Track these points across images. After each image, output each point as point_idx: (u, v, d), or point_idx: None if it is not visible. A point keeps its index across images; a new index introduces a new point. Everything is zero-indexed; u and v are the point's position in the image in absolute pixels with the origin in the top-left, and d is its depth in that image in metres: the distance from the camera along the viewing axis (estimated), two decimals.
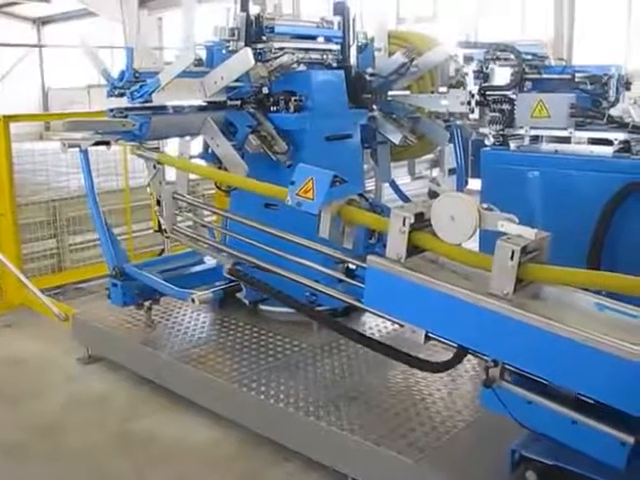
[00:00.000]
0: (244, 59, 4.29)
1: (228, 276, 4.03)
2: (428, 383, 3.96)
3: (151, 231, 7.36)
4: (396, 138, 5.36)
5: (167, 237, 4.46)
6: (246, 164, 4.41)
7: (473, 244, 3.00)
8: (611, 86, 4.51)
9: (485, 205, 2.78)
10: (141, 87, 4.28)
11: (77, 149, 4.73)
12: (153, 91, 4.22)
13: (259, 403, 3.89)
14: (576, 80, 4.63)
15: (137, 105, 4.34)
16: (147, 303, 4.90)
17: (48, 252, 6.79)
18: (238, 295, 4.86)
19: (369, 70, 5.35)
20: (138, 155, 4.41)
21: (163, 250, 7.15)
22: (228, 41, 4.63)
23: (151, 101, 4.29)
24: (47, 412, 4.44)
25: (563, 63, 5.02)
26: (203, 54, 4.80)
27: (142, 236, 7.35)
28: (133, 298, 4.81)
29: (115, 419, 4.33)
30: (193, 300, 4.38)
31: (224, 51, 4.66)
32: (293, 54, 4.69)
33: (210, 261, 5.15)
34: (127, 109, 4.37)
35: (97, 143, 4.69)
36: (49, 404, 4.54)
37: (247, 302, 4.95)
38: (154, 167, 4.34)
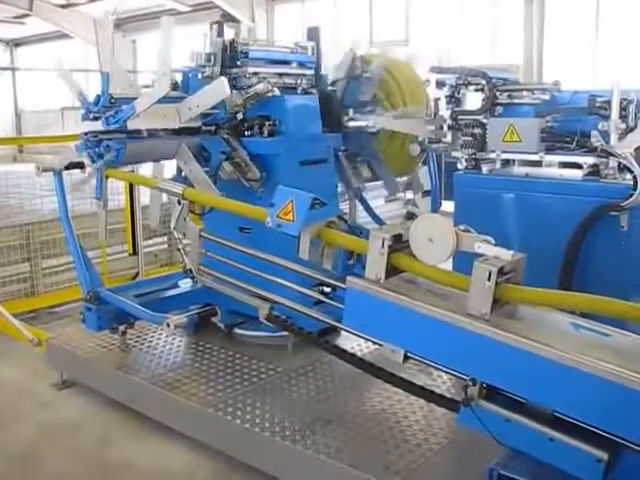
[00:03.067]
0: (219, 89, 4.31)
1: (265, 322, 3.79)
2: (404, 406, 3.98)
3: (125, 254, 7.36)
4: (356, 183, 5.47)
5: (192, 278, 4.33)
6: (219, 190, 4.41)
7: (447, 264, 3.04)
8: (630, 111, 4.49)
9: (462, 227, 2.83)
10: (116, 113, 4.29)
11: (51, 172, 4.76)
12: (128, 118, 4.23)
13: (234, 428, 3.87)
14: (597, 105, 4.42)
15: (111, 129, 4.33)
16: (122, 327, 4.88)
17: (21, 276, 6.73)
18: (213, 319, 4.87)
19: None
20: (160, 190, 4.30)
21: (137, 274, 7.15)
22: (204, 67, 4.66)
23: (126, 127, 4.29)
24: (21, 439, 4.39)
25: (557, 87, 5.03)
26: (179, 77, 4.83)
27: (116, 259, 7.33)
28: (107, 322, 4.79)
29: (90, 445, 4.29)
30: (168, 324, 4.37)
31: (200, 76, 4.70)
32: (269, 82, 4.72)
33: (185, 285, 5.15)
34: (101, 132, 4.37)
35: (70, 166, 4.70)
36: (23, 431, 4.49)
37: (222, 326, 4.95)
38: (178, 203, 4.08)
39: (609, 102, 4.33)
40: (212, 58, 4.66)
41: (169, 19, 4.26)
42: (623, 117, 4.40)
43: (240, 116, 4.68)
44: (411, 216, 2.96)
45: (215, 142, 4.64)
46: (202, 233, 4.14)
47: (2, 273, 6.57)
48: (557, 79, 5.12)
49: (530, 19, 13.21)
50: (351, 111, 5.36)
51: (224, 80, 4.32)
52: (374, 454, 3.50)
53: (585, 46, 12.77)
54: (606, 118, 4.33)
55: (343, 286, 3.10)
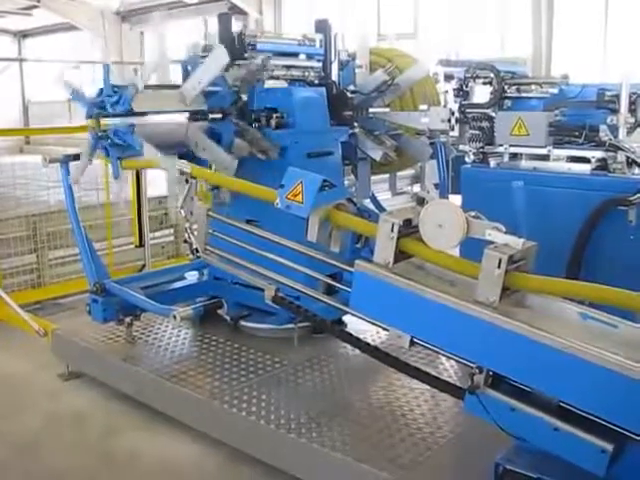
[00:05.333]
0: (219, 55, 4.29)
1: (270, 303, 3.71)
2: (409, 399, 3.97)
3: (131, 246, 7.36)
4: (377, 155, 5.39)
5: (198, 257, 4.31)
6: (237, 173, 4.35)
7: (454, 250, 3.03)
8: (639, 105, 4.47)
9: (473, 213, 2.82)
10: (120, 96, 4.21)
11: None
12: (132, 96, 4.16)
13: (240, 420, 3.88)
14: (606, 99, 4.46)
15: (118, 112, 4.26)
16: (128, 319, 4.87)
17: (28, 267, 6.73)
18: (219, 312, 4.87)
19: (350, 87, 5.39)
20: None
21: (144, 266, 7.15)
22: (203, 57, 4.63)
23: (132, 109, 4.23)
24: (26, 429, 4.39)
25: (565, 81, 5.01)
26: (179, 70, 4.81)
27: (122, 251, 7.33)
28: (114, 314, 4.78)
29: (96, 437, 4.29)
30: (174, 316, 4.37)
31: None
32: (269, 56, 4.71)
33: (191, 277, 5.15)
34: (108, 116, 4.30)
35: (77, 157, 4.68)
36: (28, 421, 4.49)
37: (228, 318, 4.95)
38: (186, 181, 4.04)
39: (618, 96, 4.32)
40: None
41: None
42: (632, 111, 4.39)
43: (244, 97, 4.63)
44: (421, 201, 2.93)
45: (225, 125, 4.59)
46: (209, 212, 4.09)
47: (9, 264, 6.56)
48: (566, 72, 5.10)
49: (539, 11, 13.14)
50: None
51: (222, 47, 4.30)
52: (380, 447, 3.49)
53: (594, 39, 12.70)
54: (615, 112, 4.33)
55: (351, 269, 3.08)
